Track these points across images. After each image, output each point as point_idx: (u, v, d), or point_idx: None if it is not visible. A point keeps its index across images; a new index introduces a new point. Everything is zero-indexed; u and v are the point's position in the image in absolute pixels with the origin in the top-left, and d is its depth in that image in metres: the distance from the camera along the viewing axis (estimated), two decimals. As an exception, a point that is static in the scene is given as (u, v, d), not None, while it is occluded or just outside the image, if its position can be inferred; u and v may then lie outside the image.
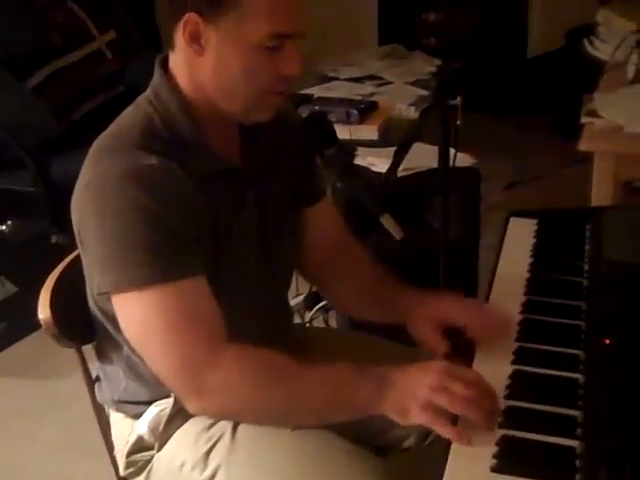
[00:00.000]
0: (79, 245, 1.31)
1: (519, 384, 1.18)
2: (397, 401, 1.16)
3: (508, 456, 1.05)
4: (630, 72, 2.38)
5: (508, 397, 1.16)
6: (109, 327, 1.35)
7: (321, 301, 2.87)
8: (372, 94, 3.06)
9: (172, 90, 1.30)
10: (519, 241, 1.62)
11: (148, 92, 1.33)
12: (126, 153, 1.23)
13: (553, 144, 4.38)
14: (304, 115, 1.51)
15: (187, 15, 1.22)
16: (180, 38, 1.26)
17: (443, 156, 1.89)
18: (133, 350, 1.33)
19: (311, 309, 2.85)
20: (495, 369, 1.23)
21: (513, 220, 1.72)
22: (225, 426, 1.33)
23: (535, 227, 1.67)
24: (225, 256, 1.31)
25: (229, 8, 1.21)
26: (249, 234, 1.36)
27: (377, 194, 1.35)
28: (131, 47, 3.72)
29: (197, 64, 1.27)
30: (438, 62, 3.49)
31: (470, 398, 1.11)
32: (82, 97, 3.47)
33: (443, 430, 1.11)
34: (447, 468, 1.06)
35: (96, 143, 1.30)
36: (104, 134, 1.30)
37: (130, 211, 1.19)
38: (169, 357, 1.21)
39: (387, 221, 1.36)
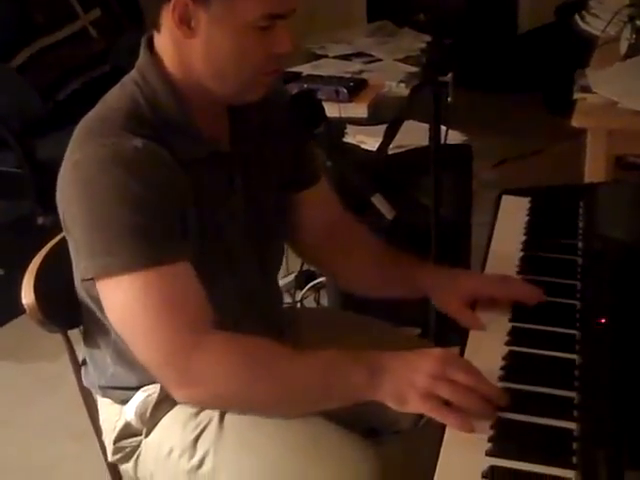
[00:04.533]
0: (64, 228, 1.28)
1: (514, 365, 1.16)
2: (394, 388, 1.12)
3: (504, 439, 1.03)
4: (623, 47, 2.35)
5: (503, 379, 1.14)
6: (97, 312, 1.33)
7: (312, 280, 2.85)
8: (361, 71, 3.04)
9: (158, 72, 1.26)
10: (512, 219, 1.59)
11: (134, 73, 1.29)
12: (111, 135, 1.20)
13: (543, 120, 4.36)
14: (292, 93, 1.48)
15: None
16: (168, 20, 1.22)
17: (434, 133, 1.87)
18: (119, 335, 1.31)
19: (302, 288, 2.83)
20: (489, 350, 1.21)
21: (505, 198, 1.69)
22: (213, 412, 1.31)
23: (528, 205, 1.65)
24: (211, 240, 1.29)
25: None
26: (236, 218, 1.34)
27: (368, 173, 1.32)
28: (116, 26, 3.66)
29: (186, 46, 1.23)
30: (427, 38, 3.45)
31: (471, 387, 1.08)
32: (67, 77, 3.42)
33: (447, 419, 1.08)
34: (442, 452, 1.04)
35: (81, 124, 1.26)
36: (89, 115, 1.27)
37: (114, 194, 1.17)
38: (152, 344, 1.18)
39: (378, 201, 1.34)
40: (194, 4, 1.19)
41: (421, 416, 1.44)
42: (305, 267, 2.83)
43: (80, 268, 1.23)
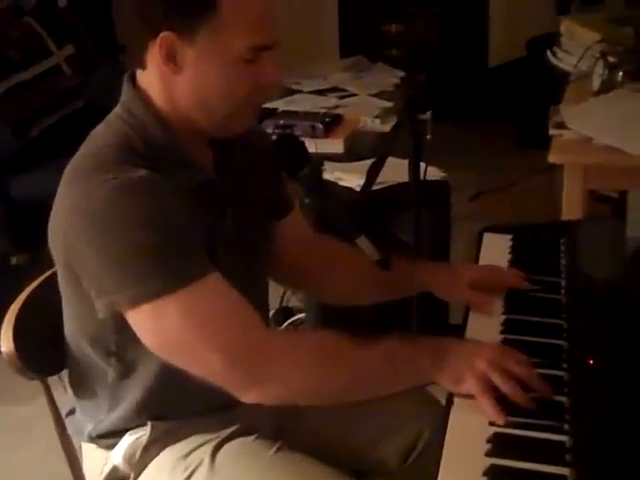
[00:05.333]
0: (63, 273, 1.25)
1: (504, 408, 1.15)
2: (454, 369, 1.18)
3: (497, 487, 1.02)
4: (595, 83, 2.37)
5: (493, 423, 1.12)
6: (95, 356, 1.30)
7: (291, 316, 2.83)
8: (336, 107, 3.04)
9: (145, 105, 1.26)
10: (494, 257, 1.59)
11: (118, 110, 1.29)
12: (111, 170, 1.19)
13: (515, 153, 4.40)
14: (270, 131, 1.49)
15: (162, 34, 1.19)
16: (154, 57, 1.22)
17: (414, 171, 1.86)
18: (121, 376, 1.30)
19: (281, 324, 2.81)
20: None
21: (487, 235, 1.69)
22: (203, 453, 1.30)
23: (509, 242, 1.65)
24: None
25: (205, 25, 1.18)
26: (230, 248, 1.33)
27: (353, 215, 1.31)
28: (90, 61, 3.65)
29: (173, 82, 1.23)
30: (401, 74, 3.48)
31: (522, 379, 1.15)
32: (41, 113, 3.38)
33: (487, 404, 1.13)
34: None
35: (71, 167, 1.24)
36: (78, 157, 1.25)
37: (130, 223, 1.15)
38: (216, 356, 1.16)
39: (363, 243, 1.33)
40: (180, 40, 1.19)
41: (408, 455, 1.44)
42: (284, 304, 2.81)
43: (105, 304, 1.18)
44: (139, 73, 1.28)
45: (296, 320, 2.81)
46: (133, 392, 1.31)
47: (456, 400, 1.18)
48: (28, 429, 2.47)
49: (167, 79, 1.23)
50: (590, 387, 1.16)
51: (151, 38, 1.20)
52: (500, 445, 1.08)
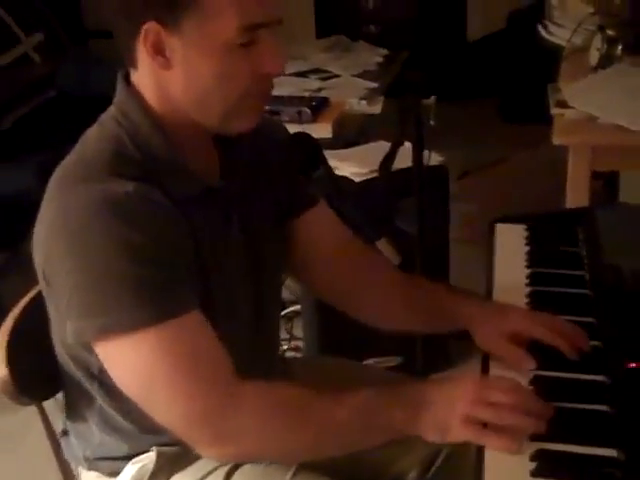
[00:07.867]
0: (44, 287, 1.16)
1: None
2: (435, 420, 1.07)
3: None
4: (593, 58, 2.29)
5: (534, 438, 1.04)
6: (81, 377, 1.21)
7: (283, 309, 2.74)
8: (320, 89, 2.96)
9: (140, 107, 1.16)
10: (511, 250, 1.51)
11: (113, 111, 1.18)
12: (98, 181, 1.09)
13: (499, 129, 4.33)
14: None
15: (146, 25, 1.09)
16: (142, 53, 1.12)
17: (417, 157, 1.78)
18: (106, 402, 1.20)
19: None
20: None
21: (500, 227, 1.60)
22: (215, 480, 1.21)
23: (525, 233, 1.57)
24: (214, 284, 1.18)
25: (189, 10, 1.07)
26: (236, 256, 1.23)
27: (371, 216, 1.22)
28: (60, 49, 3.51)
29: (165, 78, 1.13)
30: (384, 52, 3.39)
31: (514, 405, 1.04)
32: (10, 104, 3.25)
33: (493, 443, 1.03)
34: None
35: (59, 172, 1.15)
36: (67, 161, 1.16)
37: (110, 245, 1.05)
38: (180, 405, 1.08)
39: (384, 246, 1.24)
40: (166, 31, 1.09)
41: (430, 466, 1.36)
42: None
43: (70, 330, 1.09)
44: (132, 73, 1.18)
45: (289, 313, 2.72)
46: (125, 419, 1.21)
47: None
48: (12, 442, 2.36)
49: (159, 76, 1.13)
50: (635, 393, 1.08)
51: (136, 32, 1.10)
52: (544, 463, 1.00)
